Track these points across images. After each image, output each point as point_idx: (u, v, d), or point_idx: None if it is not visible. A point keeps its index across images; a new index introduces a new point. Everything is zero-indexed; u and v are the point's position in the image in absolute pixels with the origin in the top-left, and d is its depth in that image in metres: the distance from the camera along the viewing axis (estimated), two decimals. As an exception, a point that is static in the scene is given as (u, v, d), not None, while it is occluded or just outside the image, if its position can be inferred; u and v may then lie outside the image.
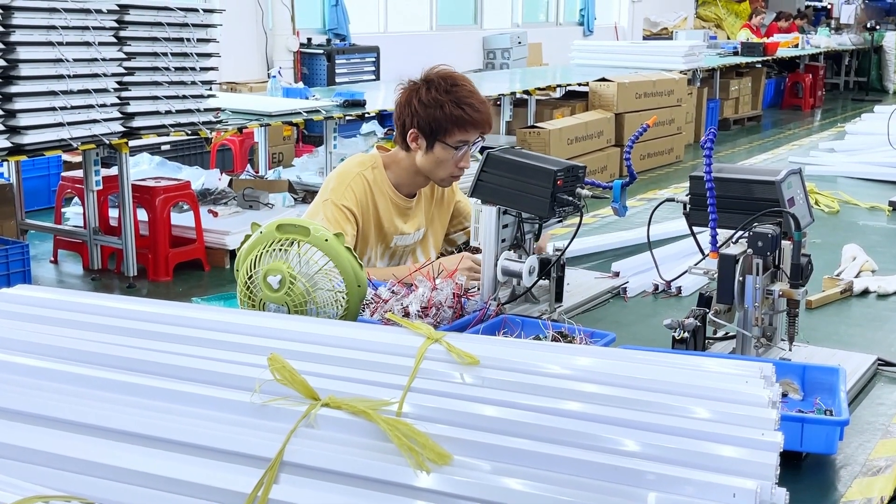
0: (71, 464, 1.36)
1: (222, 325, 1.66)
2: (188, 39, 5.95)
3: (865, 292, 2.77)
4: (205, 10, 6.15)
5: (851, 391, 1.99)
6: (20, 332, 1.66)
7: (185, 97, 6.01)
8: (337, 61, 11.13)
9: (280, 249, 2.04)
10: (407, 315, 2.20)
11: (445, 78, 2.83)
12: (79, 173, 6.37)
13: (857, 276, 2.85)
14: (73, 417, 1.42)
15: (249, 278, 2.05)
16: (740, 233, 2.08)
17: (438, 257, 2.90)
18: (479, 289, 2.49)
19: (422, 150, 2.85)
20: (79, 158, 6.50)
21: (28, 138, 5.18)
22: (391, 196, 2.92)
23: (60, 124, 5.30)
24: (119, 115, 5.66)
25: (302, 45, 11.16)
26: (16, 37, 5.03)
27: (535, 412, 1.40)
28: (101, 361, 1.56)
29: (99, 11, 5.41)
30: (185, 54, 5.96)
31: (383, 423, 1.33)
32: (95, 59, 5.42)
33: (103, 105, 5.53)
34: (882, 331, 2.48)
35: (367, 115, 7.82)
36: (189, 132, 6.21)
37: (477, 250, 2.52)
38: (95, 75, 5.44)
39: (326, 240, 2.05)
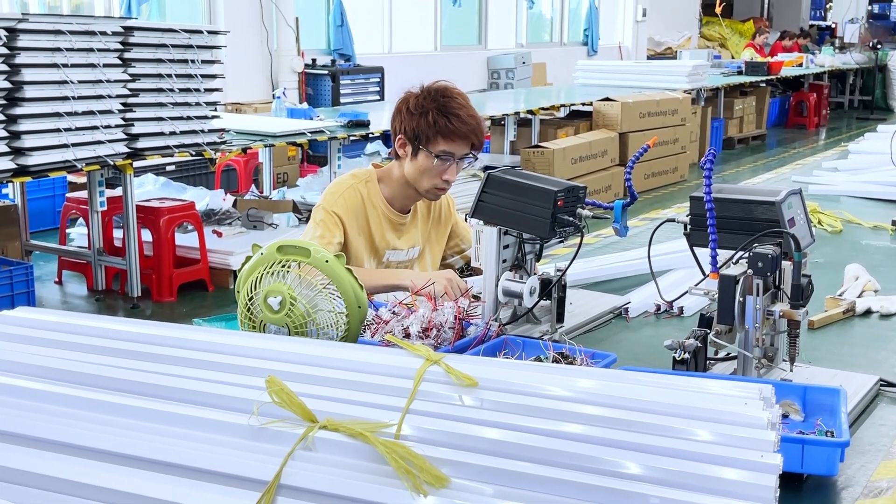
0: (68, 487, 1.36)
1: (221, 346, 1.66)
2: (193, 61, 5.97)
3: (868, 312, 2.76)
4: (209, 32, 6.17)
5: (853, 412, 1.98)
6: (20, 355, 1.67)
7: (189, 118, 6.03)
8: (341, 82, 11.19)
9: (280, 271, 2.05)
10: (408, 336, 2.19)
11: (438, 89, 2.87)
12: (83, 194, 6.39)
13: (859, 296, 2.84)
14: (71, 440, 1.42)
15: (250, 300, 2.06)
16: (741, 253, 2.08)
17: None
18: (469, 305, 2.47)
19: (408, 157, 2.90)
20: (83, 179, 6.51)
21: (33, 160, 5.20)
22: (383, 210, 2.95)
23: (65, 145, 5.31)
24: (123, 137, 5.67)
25: (307, 65, 11.21)
26: (21, 59, 5.06)
27: (535, 434, 1.40)
28: (101, 384, 1.56)
29: (103, 33, 5.43)
30: (189, 75, 5.98)
31: (381, 446, 1.32)
32: (100, 81, 5.44)
33: (108, 126, 5.55)
34: (885, 351, 2.47)
35: (371, 136, 7.84)
36: (193, 153, 6.22)
37: (478, 271, 2.52)
38: (100, 97, 5.46)
39: (327, 261, 2.06)
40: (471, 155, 2.91)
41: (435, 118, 2.81)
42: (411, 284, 2.59)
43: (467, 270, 2.99)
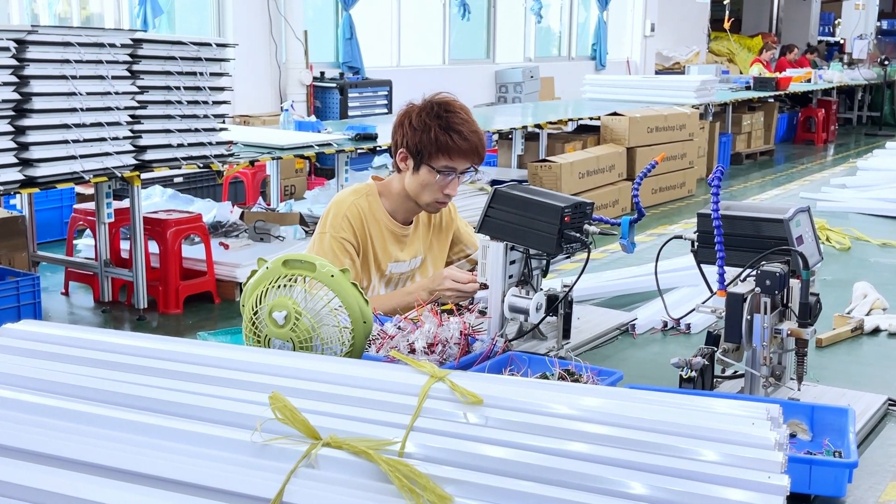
0: (69, 503, 1.35)
1: (225, 361, 1.65)
2: (201, 73, 5.98)
3: (876, 331, 2.74)
4: (218, 45, 6.18)
5: (861, 432, 1.97)
6: (23, 368, 1.66)
7: (197, 130, 6.04)
8: (350, 95, 11.21)
9: (286, 285, 2.04)
10: (413, 352, 2.18)
11: (440, 103, 2.87)
12: (91, 205, 6.40)
13: (867, 314, 2.82)
14: (72, 455, 1.41)
15: (255, 314, 2.05)
16: (748, 271, 2.07)
17: None
18: (468, 303, 2.49)
19: (409, 171, 2.90)
20: (91, 191, 6.53)
21: (41, 171, 5.21)
22: (386, 223, 2.95)
23: (73, 157, 5.32)
24: (131, 149, 5.68)
25: (315, 78, 11.24)
26: (30, 70, 5.07)
27: (540, 453, 1.38)
28: (103, 398, 1.55)
29: (112, 46, 5.45)
30: (197, 88, 5.99)
31: (384, 464, 1.31)
32: (108, 93, 5.45)
33: (116, 138, 5.56)
34: (893, 370, 2.45)
35: (378, 149, 7.84)
36: (201, 165, 6.23)
37: (484, 286, 2.51)
38: (108, 109, 5.47)
39: (332, 276, 2.05)
40: (472, 169, 2.92)
41: (437, 134, 2.82)
42: (425, 298, 2.63)
43: None
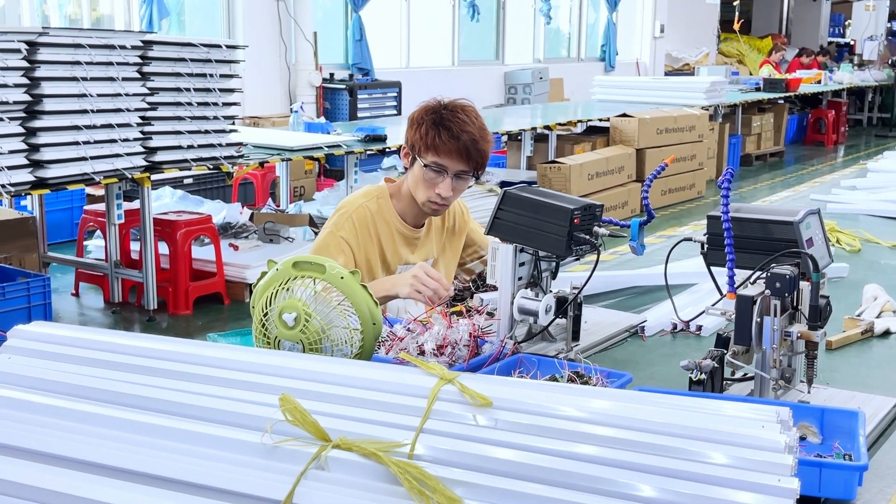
0: (80, 504, 1.36)
1: (235, 363, 1.66)
2: (211, 75, 5.99)
3: (886, 333, 2.74)
4: (228, 46, 6.19)
5: (871, 435, 1.96)
6: (34, 370, 1.67)
7: (207, 132, 6.05)
8: (359, 96, 11.21)
9: (295, 287, 2.04)
10: (422, 353, 2.18)
11: (447, 104, 2.87)
12: (101, 207, 6.41)
13: (878, 317, 2.82)
14: (82, 456, 1.42)
15: (265, 315, 2.05)
16: (758, 273, 2.06)
17: (454, 287, 2.85)
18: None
19: (409, 166, 2.91)
20: (101, 192, 6.54)
21: (51, 172, 5.22)
22: (396, 225, 2.95)
23: (83, 158, 5.34)
24: (141, 150, 5.69)
25: (324, 80, 11.24)
26: (40, 72, 5.08)
27: (549, 455, 1.39)
28: (113, 400, 1.56)
29: (123, 47, 5.46)
30: (207, 89, 6.00)
31: (394, 466, 1.32)
32: (119, 95, 5.47)
33: (126, 139, 5.57)
34: (903, 372, 2.45)
35: (388, 150, 7.85)
36: (211, 166, 6.24)
37: (493, 288, 2.51)
38: (119, 110, 5.49)
39: (342, 277, 2.05)
40: (469, 174, 2.86)
41: (427, 129, 2.82)
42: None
43: (483, 283, 2.97)
